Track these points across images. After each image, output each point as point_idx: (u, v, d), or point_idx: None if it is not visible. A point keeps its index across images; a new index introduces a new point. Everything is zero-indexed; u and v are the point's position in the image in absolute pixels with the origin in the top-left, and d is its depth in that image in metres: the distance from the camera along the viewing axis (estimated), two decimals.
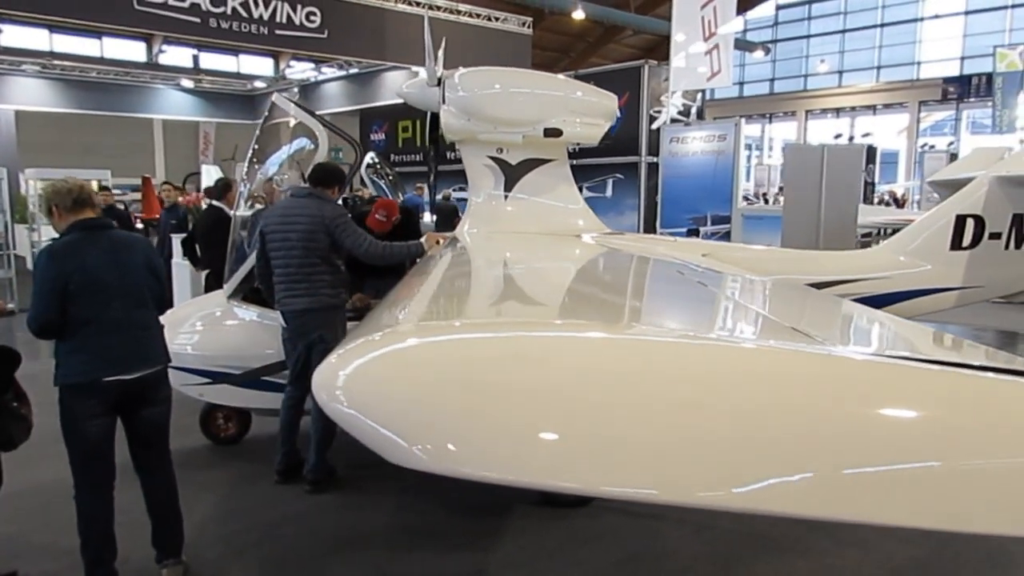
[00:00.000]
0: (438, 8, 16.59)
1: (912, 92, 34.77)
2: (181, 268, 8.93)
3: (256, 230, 5.07)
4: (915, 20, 34.73)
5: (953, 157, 26.95)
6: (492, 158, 5.51)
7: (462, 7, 17.22)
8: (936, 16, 33.73)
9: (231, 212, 6.40)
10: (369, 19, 15.67)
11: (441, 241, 4.93)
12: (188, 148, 32.34)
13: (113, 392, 3.43)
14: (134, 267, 3.54)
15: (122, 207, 13.48)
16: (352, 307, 5.31)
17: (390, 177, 12.31)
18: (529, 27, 17.75)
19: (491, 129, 5.31)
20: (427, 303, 2.70)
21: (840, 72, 37.23)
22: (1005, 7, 31.48)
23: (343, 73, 23.02)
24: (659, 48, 32.06)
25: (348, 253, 4.88)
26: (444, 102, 5.28)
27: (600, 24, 31.02)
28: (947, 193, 10.37)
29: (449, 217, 13.14)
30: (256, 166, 5.65)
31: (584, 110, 5.37)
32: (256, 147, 5.65)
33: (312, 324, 4.77)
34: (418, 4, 16.22)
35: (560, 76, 5.68)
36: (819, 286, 5.03)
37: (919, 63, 34.93)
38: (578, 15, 25.74)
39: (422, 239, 5.04)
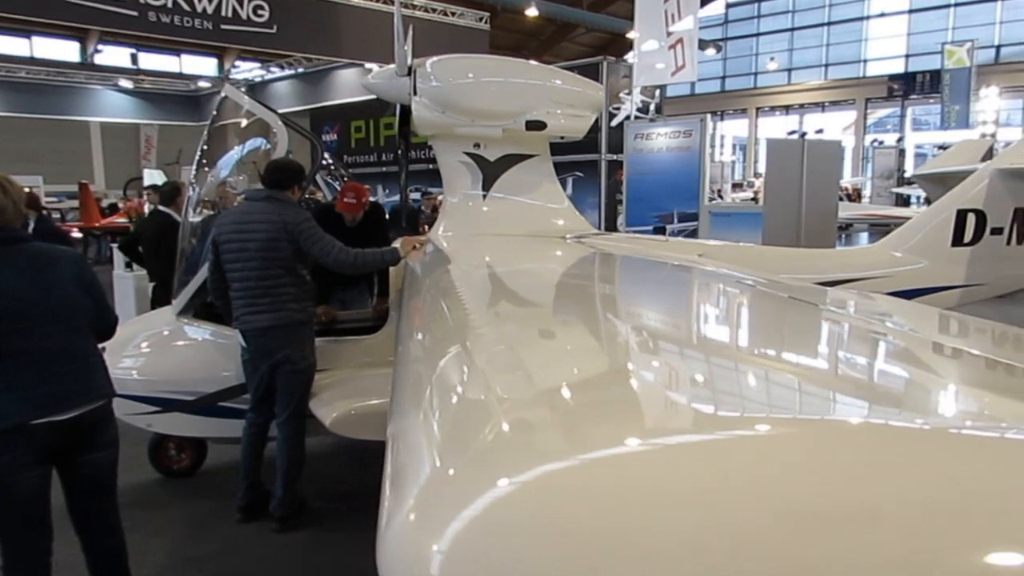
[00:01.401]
0: (393, 2, 15.96)
1: (859, 90, 35.39)
2: (123, 280, 8.25)
3: (208, 239, 4.53)
4: (861, 19, 35.33)
5: (901, 153, 27.50)
6: (469, 154, 5.06)
7: (417, 1, 16.67)
8: (882, 14, 34.35)
9: (180, 218, 5.82)
10: (320, 14, 14.98)
11: (419, 246, 4.45)
12: (128, 152, 30.95)
13: (45, 437, 2.83)
14: (60, 285, 2.92)
15: (57, 215, 12.61)
16: (317, 322, 4.81)
17: (345, 179, 11.81)
18: (487, 22, 17.30)
19: (468, 122, 4.86)
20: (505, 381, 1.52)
21: (789, 70, 37.71)
22: (948, 5, 32.19)
23: (292, 72, 22.23)
24: (611, 46, 32.05)
25: (314, 262, 4.38)
26: (415, 93, 4.82)
27: (553, 22, 30.78)
28: (931, 187, 10.40)
29: (410, 219, 12.62)
30: (206, 168, 5.08)
31: (569, 100, 4.95)
32: (206, 147, 5.09)
33: (276, 343, 4.26)
34: None
35: (541, 64, 5.25)
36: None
37: (865, 61, 35.58)
38: (531, 12, 25.43)
39: (396, 243, 4.56)
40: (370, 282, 6.26)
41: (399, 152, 6.32)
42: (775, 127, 38.29)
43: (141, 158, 29.54)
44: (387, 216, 6.55)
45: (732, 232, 11.09)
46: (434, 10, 17.06)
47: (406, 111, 5.06)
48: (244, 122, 4.76)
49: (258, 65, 22.89)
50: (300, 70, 22.66)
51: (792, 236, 8.06)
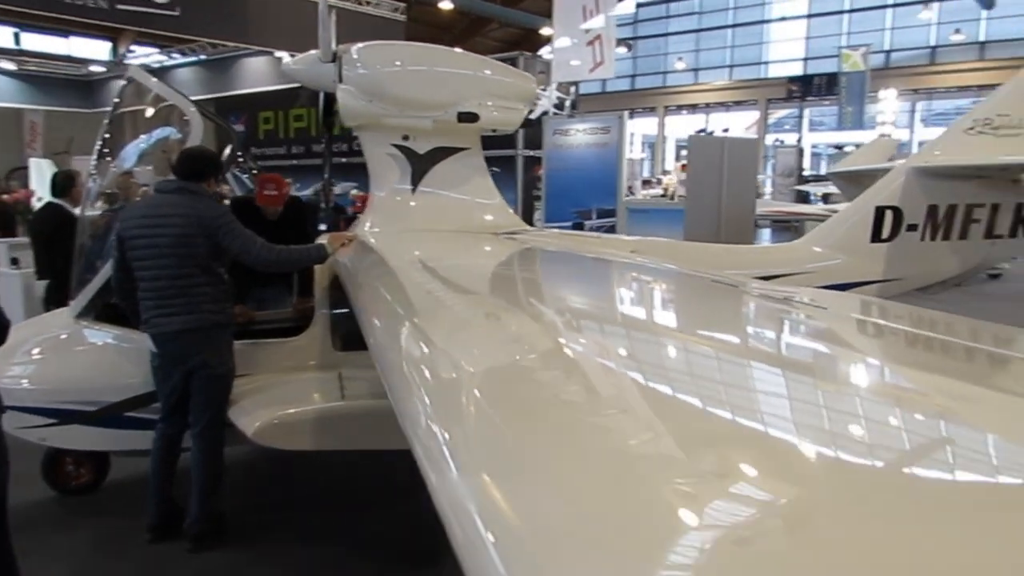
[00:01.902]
0: None
1: (761, 90, 36.76)
2: (7, 279, 7.57)
3: (112, 234, 4.15)
4: (762, 22, 36.67)
5: (801, 152, 28.67)
6: (397, 146, 4.84)
7: None
8: (782, 18, 35.75)
9: (76, 211, 5.35)
10: None
11: (348, 242, 4.20)
12: (11, 139, 28.72)
13: None
14: None
15: None
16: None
17: (253, 171, 11.35)
18: (403, 13, 16.90)
19: (397, 112, 4.65)
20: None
21: (696, 70, 38.78)
22: (843, 11, 33.80)
23: (195, 59, 21.15)
24: (525, 42, 32.04)
25: (233, 260, 4.07)
26: (341, 80, 4.56)
27: (467, 16, 30.53)
28: (845, 185, 10.80)
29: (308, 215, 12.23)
30: (108, 157, 4.66)
31: (502, 92, 4.80)
32: (108, 135, 4.66)
33: (192, 347, 3.93)
34: None
35: (472, 54, 5.08)
36: None
37: (767, 63, 36.98)
38: (446, 5, 25.12)
39: (324, 239, 4.29)
40: (289, 281, 5.94)
41: (323, 143, 6.01)
42: (683, 126, 39.34)
43: (26, 146, 27.50)
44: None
45: (650, 228, 11.23)
46: None
47: (330, 100, 4.80)
48: (153, 108, 4.38)
49: (157, 50, 21.63)
50: (203, 57, 21.58)
51: (713, 232, 8.19)
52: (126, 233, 3.94)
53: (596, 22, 13.23)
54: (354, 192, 14.21)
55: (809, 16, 35.17)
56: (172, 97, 4.27)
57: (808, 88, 34.30)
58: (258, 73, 19.67)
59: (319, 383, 4.30)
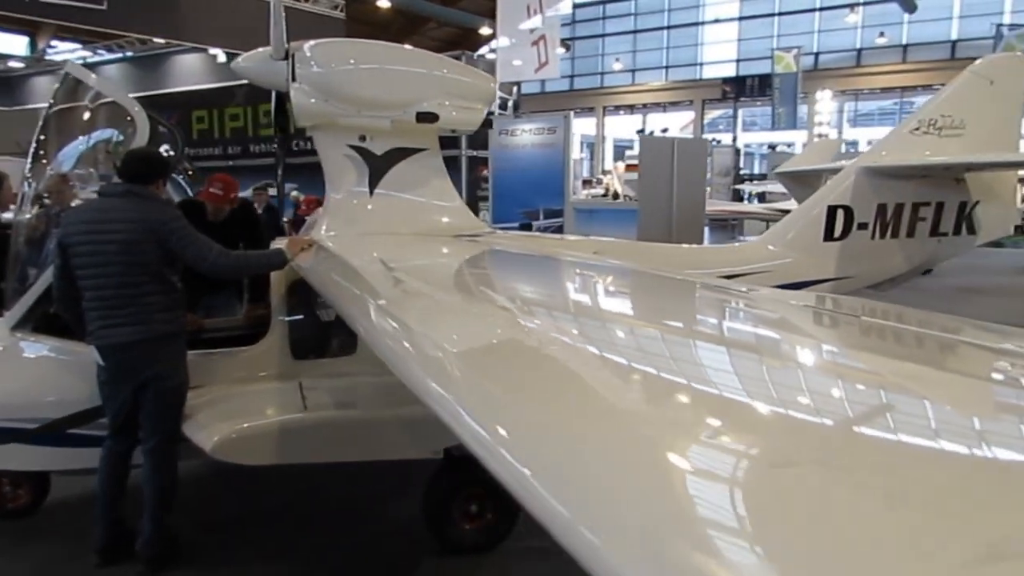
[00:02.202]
0: None
1: (696, 91, 37.53)
2: None
3: (51, 240, 3.90)
4: (697, 24, 37.43)
5: (738, 152, 29.36)
6: (354, 147, 4.69)
7: None
8: (716, 20, 36.54)
9: (5, 216, 5.03)
10: None
11: (307, 247, 4.04)
12: None
13: None
14: None
15: None
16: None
17: (190, 172, 10.95)
18: (342, 11, 16.56)
19: (354, 112, 4.50)
20: None
21: (633, 71, 39.33)
22: (773, 14, 34.76)
23: (122, 55, 20.30)
24: (464, 41, 31.94)
25: (186, 266, 3.88)
26: (295, 79, 4.39)
27: (404, 15, 30.24)
28: (792, 185, 11.03)
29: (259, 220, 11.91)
30: (44, 159, 4.38)
31: (461, 92, 4.70)
32: (43, 137, 4.38)
33: (144, 360, 3.73)
34: None
35: (430, 52, 4.97)
36: None
37: (702, 64, 37.77)
38: (384, 4, 24.81)
39: (282, 244, 4.12)
40: (239, 287, 5.73)
41: (273, 144, 5.80)
42: (620, 126, 39.87)
43: None
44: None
45: (597, 228, 11.30)
46: None
47: (283, 99, 4.62)
48: (93, 106, 4.13)
49: (80, 46, 20.66)
50: (130, 53, 20.77)
51: (665, 231, 8.26)
52: (68, 240, 3.71)
53: (538, 21, 13.23)
54: (295, 194, 13.89)
55: (741, 19, 36.05)
56: (114, 95, 4.04)
57: (742, 89, 35.20)
58: (191, 70, 19.02)
59: (279, 394, 4.13)
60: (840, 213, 5.49)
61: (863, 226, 5.53)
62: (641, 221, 8.50)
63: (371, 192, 4.75)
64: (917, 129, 5.53)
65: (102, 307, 3.70)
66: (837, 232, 5.49)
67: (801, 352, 2.04)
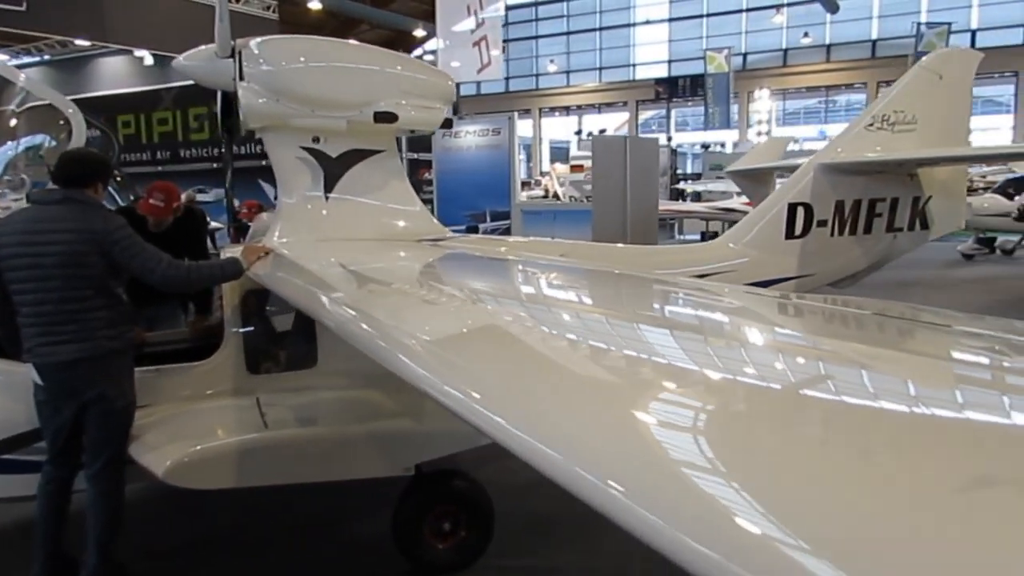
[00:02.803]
0: None
1: (630, 92, 37.97)
2: None
3: None
4: (628, 25, 37.86)
5: (673, 152, 29.79)
6: (307, 149, 4.45)
7: None
8: (647, 22, 37.04)
9: None
10: None
11: (264, 255, 3.79)
12: None
13: None
14: None
15: None
16: None
17: (118, 179, 10.44)
18: (275, 11, 16.05)
19: (307, 112, 4.26)
20: None
21: (567, 72, 39.53)
22: (702, 15, 35.43)
23: (40, 58, 19.27)
24: (397, 43, 31.50)
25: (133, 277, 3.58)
26: (242, 78, 4.13)
27: (336, 17, 29.68)
28: (744, 183, 11.13)
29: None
30: None
31: (419, 91, 4.50)
32: None
33: (86, 379, 3.43)
34: None
35: (385, 49, 4.75)
36: None
37: (634, 65, 38.23)
38: (315, 5, 24.27)
39: (235, 252, 3.85)
40: (183, 296, 5.40)
41: (222, 147, 5.48)
42: (556, 127, 40.04)
43: None
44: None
45: (545, 229, 11.21)
46: None
47: (228, 99, 4.35)
48: (23, 107, 3.79)
49: None
50: (47, 57, 19.75)
51: (619, 232, 8.20)
52: (1, 252, 3.39)
53: (475, 22, 13.08)
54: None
55: (671, 20, 36.62)
56: (47, 95, 3.70)
57: (674, 89, 35.75)
58: (115, 74, 18.18)
59: (235, 411, 3.86)
60: (800, 211, 5.50)
61: (823, 223, 5.55)
62: (596, 222, 8.43)
63: (327, 196, 4.51)
64: (871, 125, 5.58)
65: (41, 323, 3.39)
66: (798, 230, 5.50)
67: (763, 335, 2.21)
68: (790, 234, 5.50)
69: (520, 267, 3.87)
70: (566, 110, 40.02)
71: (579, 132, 33.43)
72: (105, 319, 3.46)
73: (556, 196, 22.47)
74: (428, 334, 1.99)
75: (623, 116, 38.39)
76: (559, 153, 37.57)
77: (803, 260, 5.49)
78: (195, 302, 5.14)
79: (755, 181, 8.47)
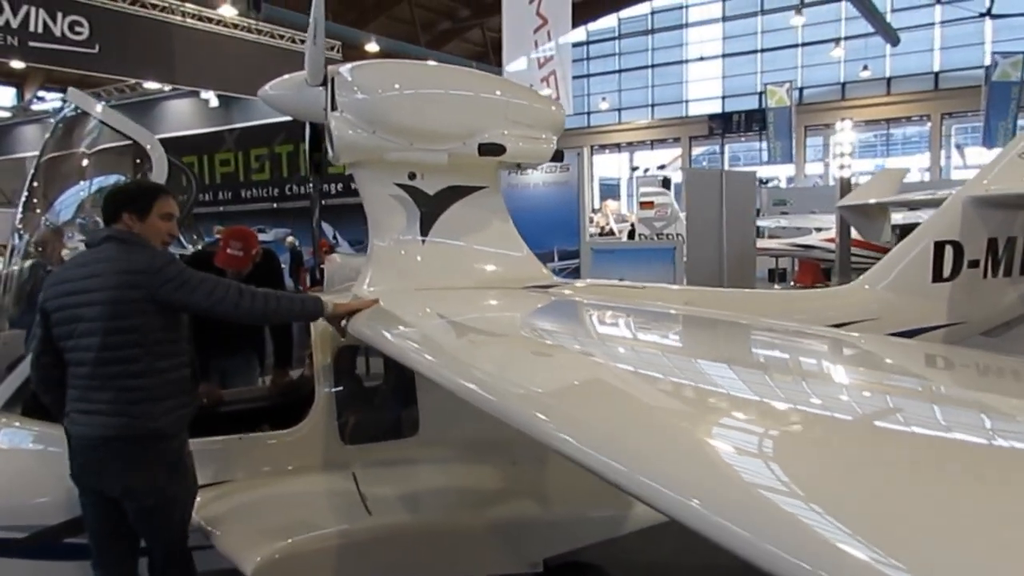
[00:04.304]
0: (234, 26, 14.23)
1: (682, 128, 37.49)
2: None
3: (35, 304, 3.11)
4: (681, 62, 37.53)
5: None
6: (402, 186, 3.96)
7: (263, 26, 14.99)
8: (701, 58, 36.66)
9: None
10: (150, 34, 12.85)
11: (361, 310, 3.26)
12: None
13: None
14: None
15: None
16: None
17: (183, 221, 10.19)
18: (339, 51, 15.98)
19: (405, 145, 3.77)
20: None
21: (619, 109, 39.27)
22: (756, 51, 34.92)
23: (108, 102, 19.60)
24: None
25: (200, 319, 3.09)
26: (335, 108, 3.68)
27: (391, 59, 29.96)
28: (855, 218, 10.42)
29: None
30: (37, 208, 3.61)
31: (528, 120, 3.98)
32: (35, 184, 3.61)
33: (107, 466, 2.87)
34: (212, 21, 13.77)
35: (487, 73, 4.29)
36: None
37: (687, 101, 37.79)
38: (372, 47, 24.39)
39: (327, 299, 3.32)
40: (257, 346, 4.93)
41: (311, 183, 5.06)
42: (605, 164, 39.74)
43: None
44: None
45: (617, 268, 10.64)
46: (282, 36, 15.48)
47: (318, 131, 3.92)
48: (100, 141, 3.38)
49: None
50: (113, 101, 20.08)
51: (715, 271, 7.57)
52: (48, 305, 2.93)
53: (550, 53, 12.73)
54: (290, 240, 13.19)
55: (724, 56, 36.18)
56: (126, 128, 3.27)
57: (728, 125, 35.18)
58: (181, 115, 18.36)
59: (331, 492, 3.31)
60: (949, 249, 4.83)
61: (974, 263, 4.87)
62: (690, 262, 7.80)
63: (423, 239, 4.01)
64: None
65: (79, 387, 2.90)
66: (947, 272, 4.82)
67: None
68: (937, 276, 4.83)
69: (643, 319, 3.32)
70: (617, 147, 39.67)
71: (635, 168, 32.93)
72: (150, 388, 2.88)
73: (611, 232, 21.93)
74: (561, 392, 1.91)
75: (674, 152, 37.87)
76: (609, 190, 37.13)
77: (954, 305, 4.81)
78: (275, 352, 4.66)
79: (867, 216, 7.79)
